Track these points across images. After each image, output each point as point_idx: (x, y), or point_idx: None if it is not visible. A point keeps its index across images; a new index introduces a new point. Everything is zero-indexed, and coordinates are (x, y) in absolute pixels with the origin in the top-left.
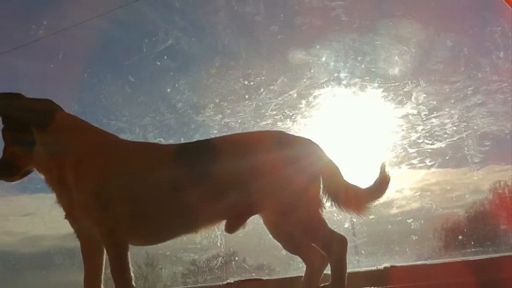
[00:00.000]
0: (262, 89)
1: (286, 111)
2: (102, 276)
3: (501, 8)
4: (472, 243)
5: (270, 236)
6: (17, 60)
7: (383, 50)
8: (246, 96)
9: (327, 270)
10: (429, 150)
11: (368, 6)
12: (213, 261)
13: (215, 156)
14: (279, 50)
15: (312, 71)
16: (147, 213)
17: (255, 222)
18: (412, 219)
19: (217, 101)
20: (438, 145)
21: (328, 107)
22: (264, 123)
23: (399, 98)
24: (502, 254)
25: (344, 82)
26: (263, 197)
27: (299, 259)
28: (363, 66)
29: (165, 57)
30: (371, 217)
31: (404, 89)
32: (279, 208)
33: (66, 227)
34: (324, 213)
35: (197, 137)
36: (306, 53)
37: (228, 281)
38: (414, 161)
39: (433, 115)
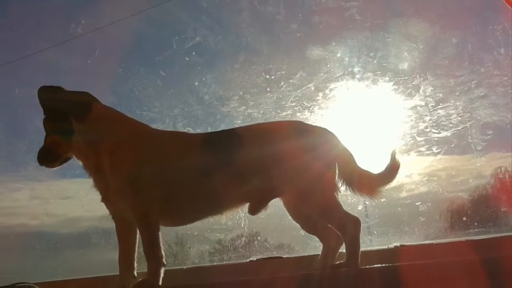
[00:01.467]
0: (282, 83)
1: (304, 102)
2: (136, 255)
3: (502, 8)
4: (475, 224)
5: (290, 217)
6: (58, 56)
7: (394, 47)
8: (268, 89)
9: (342, 249)
10: (436, 139)
11: (380, 6)
12: (237, 240)
13: (239, 144)
14: (298, 46)
15: (328, 66)
16: (177, 196)
17: (276, 205)
18: (420, 202)
19: (241, 93)
20: (444, 134)
21: (343, 99)
22: (284, 113)
23: (408, 91)
24: (502, 234)
25: (358, 76)
26: (283, 182)
27: (317, 239)
28: (375, 61)
29: (193, 53)
30: (382, 200)
31: (413, 83)
32: (298, 192)
33: (102, 210)
34: (339, 196)
35: (222, 127)
36: (323, 49)
37: (251, 259)
38: (422, 149)
39: (439, 107)
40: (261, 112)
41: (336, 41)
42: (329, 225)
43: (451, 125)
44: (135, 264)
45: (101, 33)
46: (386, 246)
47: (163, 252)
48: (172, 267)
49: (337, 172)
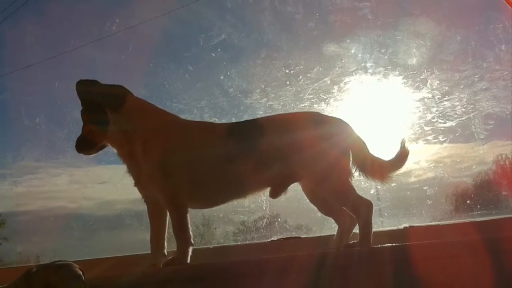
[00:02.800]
0: (300, 77)
1: (321, 95)
2: (166, 235)
3: (502, 7)
4: (478, 206)
5: (308, 200)
6: (94, 52)
7: (403, 44)
8: (287, 83)
9: (356, 230)
10: (442, 128)
11: (390, 6)
12: (259, 222)
13: (261, 133)
14: (315, 43)
15: (343, 61)
16: (204, 181)
17: (295, 189)
18: (427, 187)
19: (263, 86)
20: (449, 124)
21: (357, 92)
22: (303, 105)
23: (416, 84)
24: (503, 216)
25: (370, 70)
26: (302, 168)
27: (332, 220)
28: (386, 57)
29: (219, 50)
30: (393, 184)
31: (421, 77)
32: (315, 177)
33: (135, 193)
34: (353, 181)
35: (245, 117)
36: (338, 46)
37: (272, 238)
38: (429, 138)
39: (445, 99)
40: (281, 104)
41: (350, 39)
42: (344, 208)
43: (456, 115)
44: (165, 244)
45: (134, 31)
46: (396, 227)
47: (191, 233)
48: (199, 246)
49: (351, 159)
